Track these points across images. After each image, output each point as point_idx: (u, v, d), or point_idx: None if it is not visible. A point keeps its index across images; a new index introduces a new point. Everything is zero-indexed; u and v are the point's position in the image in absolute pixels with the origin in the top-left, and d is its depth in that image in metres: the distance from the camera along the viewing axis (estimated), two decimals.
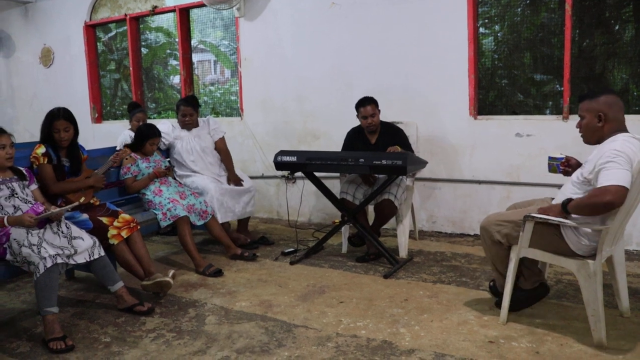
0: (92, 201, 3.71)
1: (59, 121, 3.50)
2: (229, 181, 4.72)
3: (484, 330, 2.91)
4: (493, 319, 3.03)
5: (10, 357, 2.83)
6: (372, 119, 4.22)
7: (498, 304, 3.09)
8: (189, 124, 4.73)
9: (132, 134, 5.11)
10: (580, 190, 2.75)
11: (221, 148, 4.85)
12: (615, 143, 2.60)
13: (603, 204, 2.52)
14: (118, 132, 5.76)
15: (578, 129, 2.85)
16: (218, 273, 3.99)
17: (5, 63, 8.12)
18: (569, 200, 2.70)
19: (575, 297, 3.30)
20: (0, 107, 8.40)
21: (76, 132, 3.62)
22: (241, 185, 4.74)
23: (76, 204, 3.29)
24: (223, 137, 4.89)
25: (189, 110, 4.71)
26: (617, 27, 4.53)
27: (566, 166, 3.04)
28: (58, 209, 3.09)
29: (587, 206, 2.61)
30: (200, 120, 4.84)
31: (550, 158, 3.10)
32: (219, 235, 4.35)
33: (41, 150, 3.49)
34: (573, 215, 2.70)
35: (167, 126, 4.74)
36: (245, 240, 4.71)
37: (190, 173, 4.67)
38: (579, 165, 2.95)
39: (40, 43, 7.54)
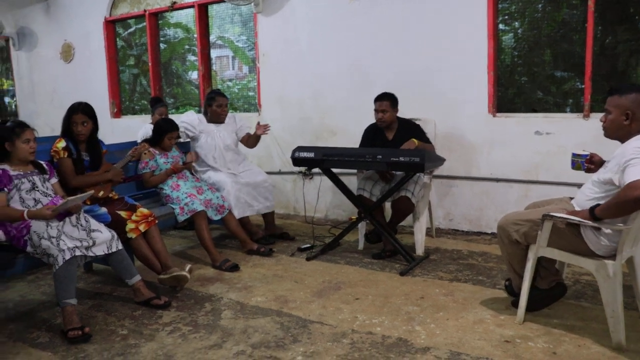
0: (110, 195, 3.75)
1: (77, 115, 3.55)
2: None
3: (500, 330, 2.88)
4: (509, 319, 3.01)
5: (30, 347, 2.88)
6: (383, 114, 4.22)
7: (514, 304, 3.06)
8: (223, 114, 4.73)
9: (149, 130, 5.17)
10: (601, 190, 2.71)
11: (247, 140, 4.89)
12: (639, 141, 2.55)
13: (633, 200, 2.43)
14: (137, 127, 5.81)
15: (602, 122, 2.78)
16: (234, 268, 4.01)
17: (27, 58, 8.25)
18: (597, 205, 2.64)
19: (594, 298, 3.26)
20: (22, 101, 8.54)
21: (95, 127, 3.66)
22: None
23: (91, 192, 3.29)
24: (248, 132, 4.91)
25: (225, 100, 4.74)
26: None
27: (590, 163, 2.99)
28: (74, 197, 3.09)
29: (616, 206, 2.53)
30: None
31: (575, 155, 3.03)
32: (235, 230, 4.37)
33: (61, 144, 3.54)
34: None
35: (193, 118, 4.72)
36: (262, 234, 4.72)
37: (207, 168, 4.69)
38: (602, 163, 2.90)
39: (61, 39, 7.63)
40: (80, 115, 3.55)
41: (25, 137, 3.15)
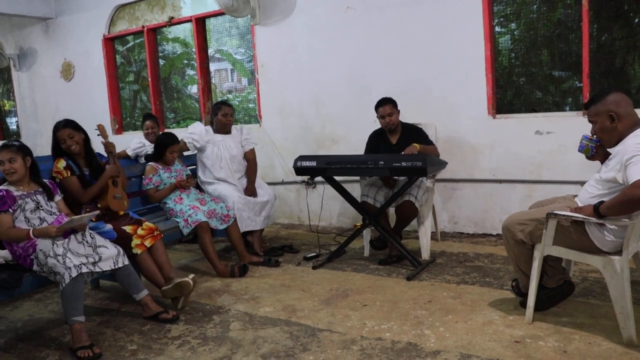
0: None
1: (60, 131, 3.52)
2: (246, 191, 4.71)
3: (510, 330, 2.88)
4: (518, 319, 3.00)
5: None
6: (390, 118, 4.23)
7: (523, 304, 3.06)
8: (229, 123, 4.73)
9: (143, 141, 5.26)
10: (604, 187, 2.71)
11: (250, 158, 4.85)
12: (638, 137, 2.56)
13: (639, 199, 2.44)
14: None
15: (594, 137, 2.83)
16: (244, 269, 4.11)
17: (28, 78, 8.30)
18: (600, 202, 2.65)
19: (602, 295, 3.25)
20: (24, 121, 8.59)
21: (86, 139, 3.63)
22: (255, 197, 4.72)
23: (97, 212, 3.27)
24: (254, 148, 4.91)
25: (230, 109, 4.73)
26: (636, 20, 4.47)
27: (597, 151, 2.96)
28: (79, 216, 3.10)
29: (620, 204, 2.54)
30: (233, 127, 4.85)
31: (586, 138, 2.92)
32: (235, 241, 4.36)
33: (62, 164, 3.52)
34: None
35: (200, 128, 4.73)
36: (265, 247, 4.73)
37: (213, 180, 4.68)
38: (606, 155, 2.88)
39: (60, 58, 7.69)
40: (63, 130, 3.51)
41: None
